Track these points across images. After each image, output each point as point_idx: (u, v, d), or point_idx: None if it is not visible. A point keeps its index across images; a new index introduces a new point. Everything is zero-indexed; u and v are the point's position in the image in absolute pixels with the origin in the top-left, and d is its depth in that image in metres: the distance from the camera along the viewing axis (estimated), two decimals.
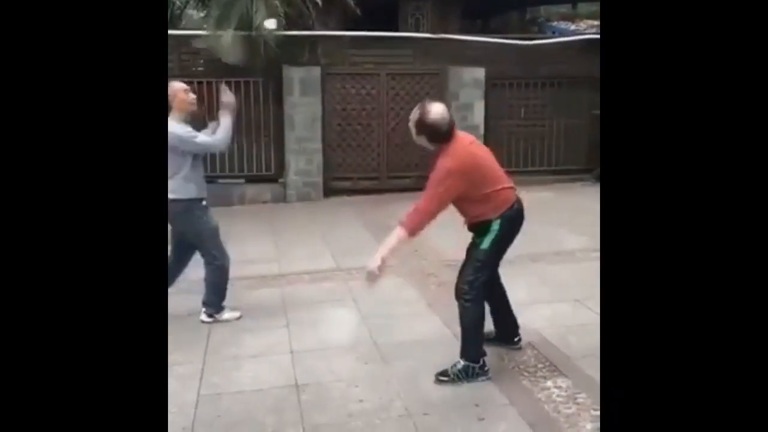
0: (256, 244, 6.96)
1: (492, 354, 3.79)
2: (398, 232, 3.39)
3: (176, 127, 4.19)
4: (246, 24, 8.46)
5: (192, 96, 4.39)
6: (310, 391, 3.52)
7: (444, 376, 3.60)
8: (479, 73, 9.56)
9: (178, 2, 11.80)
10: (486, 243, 3.50)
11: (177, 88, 4.30)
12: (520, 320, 3.99)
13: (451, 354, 3.71)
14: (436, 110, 3.42)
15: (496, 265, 3.71)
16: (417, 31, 11.07)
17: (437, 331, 4.33)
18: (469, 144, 3.56)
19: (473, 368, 3.59)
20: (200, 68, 9.27)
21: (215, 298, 4.60)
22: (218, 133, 4.44)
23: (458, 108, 9.29)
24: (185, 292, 5.32)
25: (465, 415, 3.24)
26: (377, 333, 4.32)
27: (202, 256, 4.57)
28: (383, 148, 9.55)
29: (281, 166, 9.44)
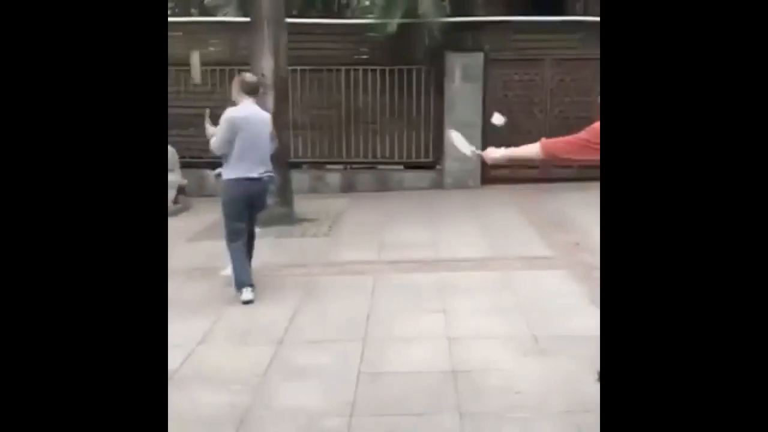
0: (413, 229, 7.05)
1: None
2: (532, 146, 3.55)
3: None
4: (411, 12, 8.55)
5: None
6: (466, 379, 3.50)
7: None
8: None
9: None
10: None
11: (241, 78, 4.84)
12: None
13: None
14: None
15: None
16: (585, 14, 10.59)
17: (597, 327, 4.13)
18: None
19: None
20: (364, 56, 9.49)
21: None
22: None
23: None
24: (344, 273, 5.53)
25: None
26: (535, 325, 4.20)
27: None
28: (546, 135, 9.25)
29: (440, 154, 9.47)
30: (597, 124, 3.56)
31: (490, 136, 9.28)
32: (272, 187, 5.12)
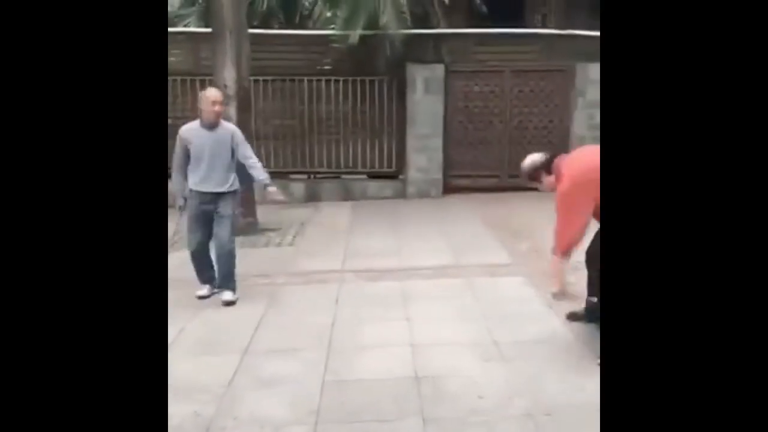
0: (377, 238, 7.11)
1: None
2: (553, 258, 3.87)
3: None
4: (373, 23, 8.65)
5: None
6: (430, 384, 3.57)
7: (575, 315, 4.22)
8: None
9: (307, 3, 12.26)
10: None
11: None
12: None
13: (572, 354, 3.64)
14: (527, 160, 4.08)
15: None
16: (543, 27, 10.85)
17: (557, 332, 4.25)
18: (590, 158, 3.69)
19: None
20: (327, 67, 9.55)
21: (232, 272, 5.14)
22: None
23: (585, 106, 9.03)
24: (309, 282, 5.56)
25: (589, 416, 3.16)
26: (496, 331, 4.30)
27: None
28: (505, 146, 9.45)
29: (402, 163, 9.57)
30: (558, 199, 3.78)
31: (450, 147, 9.45)
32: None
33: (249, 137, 5.73)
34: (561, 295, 3.95)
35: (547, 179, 3.98)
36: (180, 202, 5.01)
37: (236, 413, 3.32)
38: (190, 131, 4.89)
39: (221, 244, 4.97)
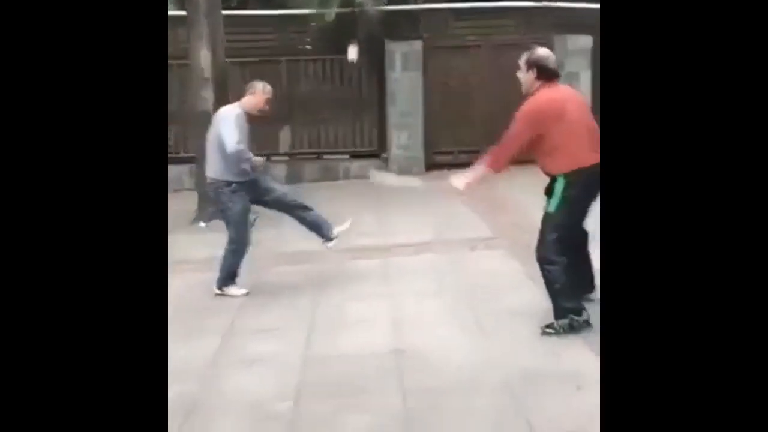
0: (359, 217, 7.13)
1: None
2: (482, 166, 4.00)
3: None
4: (350, 1, 8.60)
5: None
6: (410, 358, 3.63)
7: (550, 329, 3.81)
8: (586, 41, 9.23)
9: None
10: (552, 207, 3.79)
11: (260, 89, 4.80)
12: None
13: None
14: (545, 50, 3.94)
15: (570, 226, 3.85)
16: None
17: (537, 303, 4.32)
18: (558, 96, 3.81)
19: (577, 321, 3.77)
20: (307, 46, 9.50)
21: (223, 274, 4.77)
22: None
23: (564, 78, 9.01)
24: (291, 263, 5.60)
25: (563, 384, 3.25)
26: (476, 304, 4.37)
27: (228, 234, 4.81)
28: (485, 121, 9.46)
29: (384, 142, 9.58)
30: (518, 114, 3.87)
31: (430, 122, 9.45)
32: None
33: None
34: (466, 189, 4.17)
35: (528, 80, 3.86)
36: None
37: (220, 391, 3.38)
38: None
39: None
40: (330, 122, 9.58)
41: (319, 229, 4.96)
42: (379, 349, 3.77)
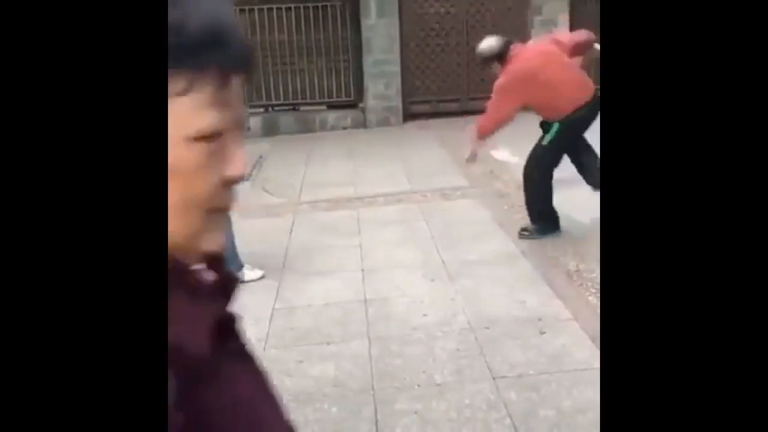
0: (335, 168, 7.10)
1: (559, 272, 3.79)
2: (472, 136, 4.44)
3: None
4: None
5: None
6: (377, 306, 3.65)
7: (525, 231, 4.38)
8: None
9: None
10: (546, 141, 4.26)
11: None
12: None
13: (517, 271, 3.73)
14: (484, 43, 4.35)
15: (563, 150, 4.36)
16: None
17: (505, 249, 4.34)
18: (526, 64, 4.09)
19: (549, 226, 4.33)
20: None
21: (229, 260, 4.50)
22: None
23: (541, 23, 8.92)
24: (264, 216, 5.57)
25: (526, 329, 3.28)
26: (445, 252, 4.38)
27: None
28: (463, 68, 9.34)
29: (360, 92, 9.45)
30: (494, 89, 4.20)
31: (408, 72, 9.31)
32: None
33: None
34: (471, 159, 4.70)
35: (497, 68, 4.24)
36: None
37: None
38: None
39: None
40: (305, 72, 9.41)
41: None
42: (347, 298, 3.78)
